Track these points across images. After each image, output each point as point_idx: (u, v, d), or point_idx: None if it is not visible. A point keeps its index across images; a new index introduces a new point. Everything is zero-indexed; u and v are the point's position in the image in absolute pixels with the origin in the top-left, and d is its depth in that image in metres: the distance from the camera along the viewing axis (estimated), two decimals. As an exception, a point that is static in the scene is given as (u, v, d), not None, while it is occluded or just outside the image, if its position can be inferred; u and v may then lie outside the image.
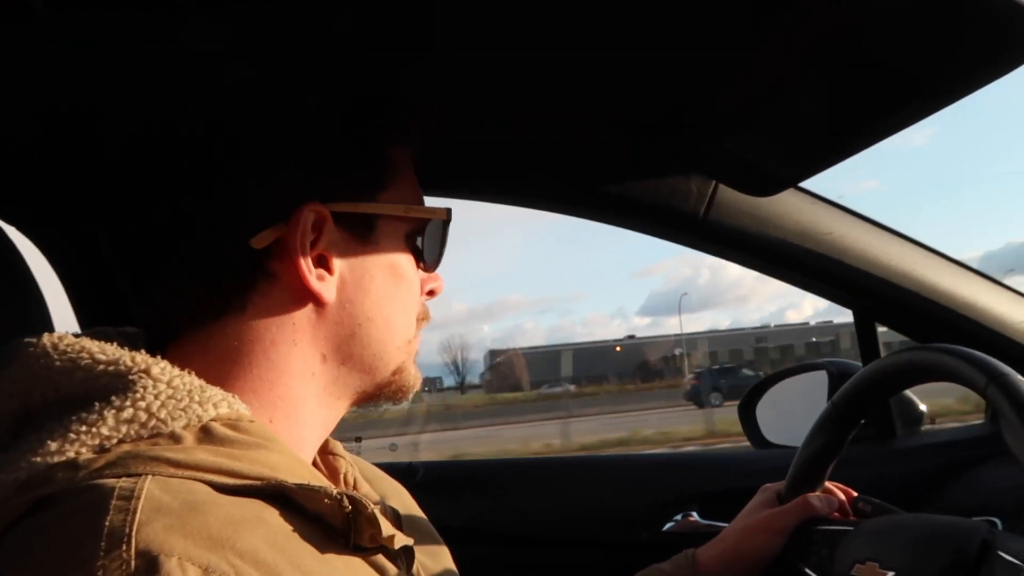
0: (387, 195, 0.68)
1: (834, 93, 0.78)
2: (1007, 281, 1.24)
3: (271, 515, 0.53)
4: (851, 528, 0.87)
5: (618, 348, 43.73)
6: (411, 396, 0.73)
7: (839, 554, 0.85)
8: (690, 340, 44.53)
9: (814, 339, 44.11)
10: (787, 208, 1.09)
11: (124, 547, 0.44)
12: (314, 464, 0.74)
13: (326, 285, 0.64)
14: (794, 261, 1.13)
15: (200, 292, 0.62)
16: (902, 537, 0.80)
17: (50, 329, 0.75)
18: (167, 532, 0.46)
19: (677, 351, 40.29)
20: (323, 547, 0.54)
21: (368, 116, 0.68)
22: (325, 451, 0.75)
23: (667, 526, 1.37)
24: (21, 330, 0.60)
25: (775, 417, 1.57)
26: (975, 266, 1.20)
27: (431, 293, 0.76)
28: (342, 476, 0.75)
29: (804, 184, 1.06)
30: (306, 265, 0.62)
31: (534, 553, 1.41)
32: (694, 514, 1.38)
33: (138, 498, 0.47)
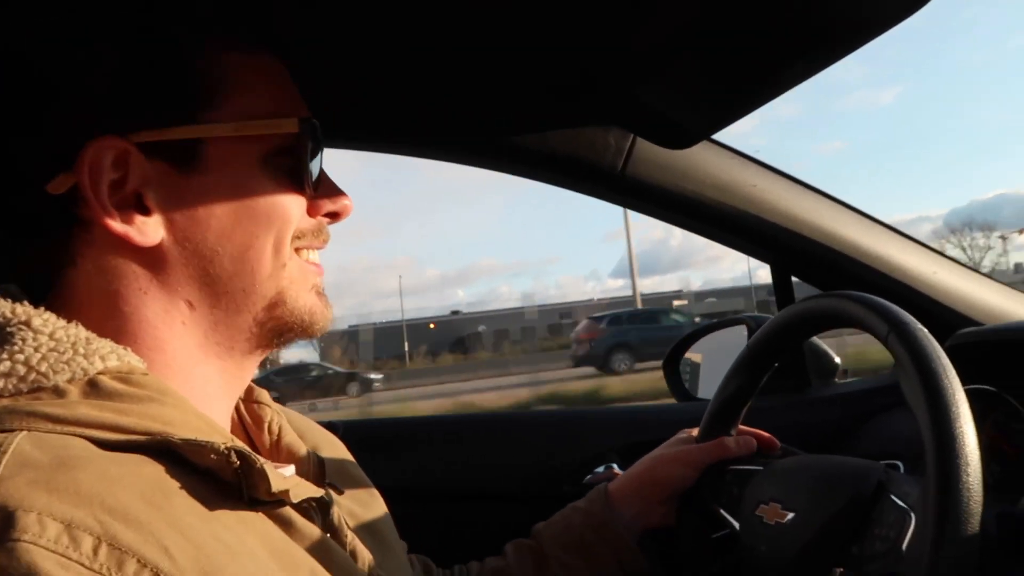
0: (214, 115, 0.61)
1: (739, 42, 0.78)
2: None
3: (153, 471, 0.51)
4: (761, 468, 0.89)
5: (432, 326, 43.46)
6: (317, 329, 0.68)
7: (747, 494, 0.87)
8: (497, 316, 43.82)
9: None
10: (704, 162, 1.10)
11: None
12: (238, 413, 0.73)
13: (143, 227, 0.59)
14: (711, 215, 1.14)
15: (28, 247, 0.59)
16: (805, 478, 0.82)
17: None
18: (30, 487, 0.44)
19: (480, 328, 40.44)
20: (213, 503, 0.52)
21: (161, 28, 0.61)
22: (250, 399, 0.73)
23: (588, 477, 1.39)
24: None
25: (697, 371, 1.60)
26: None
27: (333, 216, 0.70)
28: (266, 425, 0.73)
29: (729, 140, 1.07)
30: (103, 209, 0.57)
31: (456, 509, 1.42)
32: (615, 465, 1.39)
33: (5, 452, 0.46)
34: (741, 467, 0.93)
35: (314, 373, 24.43)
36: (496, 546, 1.41)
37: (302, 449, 0.74)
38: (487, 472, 1.43)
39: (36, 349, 0.52)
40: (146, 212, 0.59)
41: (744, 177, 1.12)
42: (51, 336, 0.53)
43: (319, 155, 0.67)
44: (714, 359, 1.59)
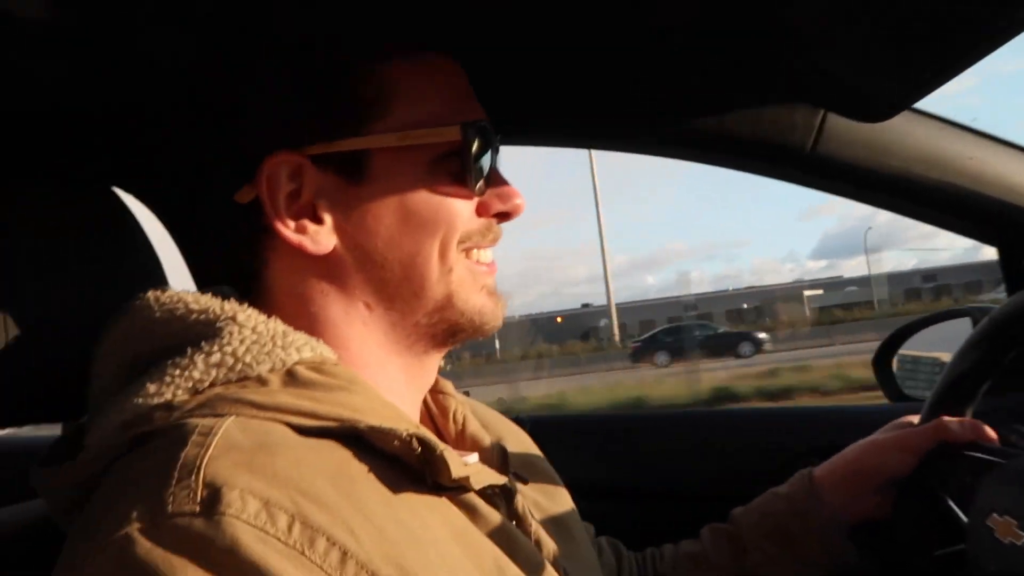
0: (381, 125, 0.64)
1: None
2: None
3: (342, 457, 0.54)
4: (1003, 462, 0.76)
5: (559, 319, 42.56)
6: (489, 328, 0.69)
7: (981, 491, 0.74)
8: (625, 309, 42.19)
9: (744, 305, 40.91)
10: (907, 134, 0.98)
11: (193, 478, 0.47)
12: (425, 404, 0.77)
13: (314, 236, 0.63)
14: (921, 194, 1.02)
15: (229, 253, 0.66)
16: None
17: (165, 283, 0.81)
18: (234, 467, 0.48)
19: (602, 322, 38.32)
20: (398, 488, 0.55)
21: (329, 46, 0.64)
22: (436, 390, 0.77)
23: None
24: (140, 286, 0.65)
25: (916, 368, 1.46)
26: None
27: (503, 216, 0.70)
28: (451, 414, 0.77)
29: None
30: (280, 219, 0.62)
31: (644, 507, 1.39)
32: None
33: (215, 435, 0.51)
34: (979, 455, 0.80)
35: (702, 333, 24.56)
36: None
37: (486, 439, 0.76)
38: (678, 470, 1.39)
39: (241, 342, 0.57)
40: (319, 221, 0.63)
41: (958, 148, 0.99)
42: (253, 330, 0.58)
43: (490, 154, 0.68)
44: (934, 356, 1.44)
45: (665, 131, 1.03)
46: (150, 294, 0.62)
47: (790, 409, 1.50)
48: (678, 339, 23.30)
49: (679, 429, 1.44)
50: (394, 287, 0.65)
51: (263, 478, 0.48)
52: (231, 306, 0.60)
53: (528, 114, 1.03)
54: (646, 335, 24.68)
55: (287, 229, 0.62)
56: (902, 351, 1.43)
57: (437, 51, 0.68)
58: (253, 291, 0.66)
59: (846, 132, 0.98)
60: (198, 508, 0.46)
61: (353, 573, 0.47)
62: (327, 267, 0.64)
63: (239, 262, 0.66)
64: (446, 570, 0.52)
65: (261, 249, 0.65)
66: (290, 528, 0.47)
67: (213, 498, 0.47)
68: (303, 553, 0.46)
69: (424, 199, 0.64)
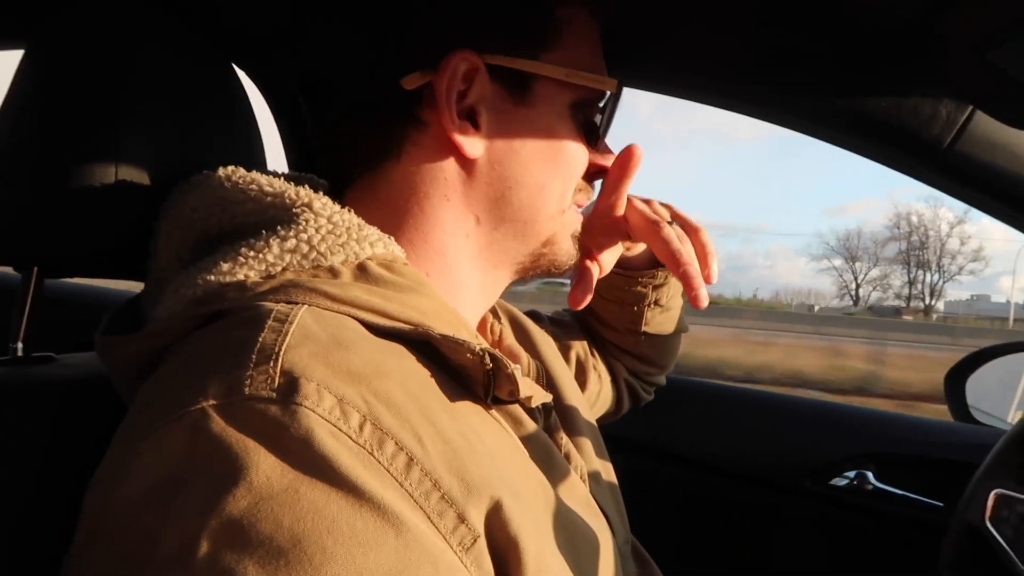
0: (550, 56, 0.66)
1: None
2: None
3: (410, 362, 0.54)
4: None
5: None
6: (566, 270, 0.73)
7: None
8: None
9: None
10: None
11: (271, 364, 0.47)
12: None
13: (470, 139, 0.63)
14: None
15: (360, 135, 0.65)
16: None
17: (263, 166, 0.81)
18: (311, 359, 0.48)
19: None
20: (456, 396, 0.55)
21: None
22: None
23: (836, 480, 1.28)
24: (237, 163, 0.64)
25: (986, 393, 1.40)
26: None
27: (602, 174, 0.76)
28: (488, 327, 0.80)
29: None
30: (450, 113, 0.62)
31: (690, 477, 1.38)
32: (869, 474, 1.27)
33: (291, 323, 0.50)
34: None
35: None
36: (708, 520, 1.36)
37: (521, 353, 0.80)
38: (726, 447, 1.38)
39: (317, 230, 0.57)
40: (476, 127, 0.64)
41: None
42: (329, 219, 0.58)
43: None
44: (1011, 384, 1.38)
45: (796, 103, 0.97)
46: (220, 170, 0.61)
47: (857, 408, 1.47)
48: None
49: (746, 406, 1.42)
50: (512, 210, 0.67)
51: (338, 374, 0.48)
52: (306, 192, 0.59)
53: (650, 60, 0.98)
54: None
55: (451, 124, 0.63)
56: (979, 372, 1.38)
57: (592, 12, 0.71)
58: (363, 180, 0.66)
59: (990, 134, 0.91)
60: (275, 395, 0.46)
61: (417, 479, 0.47)
62: (462, 173, 0.65)
63: (367, 148, 0.65)
64: (503, 482, 0.52)
65: (402, 139, 0.64)
66: (361, 428, 0.46)
67: (290, 387, 0.46)
68: (371, 454, 0.46)
69: (562, 137, 0.68)
